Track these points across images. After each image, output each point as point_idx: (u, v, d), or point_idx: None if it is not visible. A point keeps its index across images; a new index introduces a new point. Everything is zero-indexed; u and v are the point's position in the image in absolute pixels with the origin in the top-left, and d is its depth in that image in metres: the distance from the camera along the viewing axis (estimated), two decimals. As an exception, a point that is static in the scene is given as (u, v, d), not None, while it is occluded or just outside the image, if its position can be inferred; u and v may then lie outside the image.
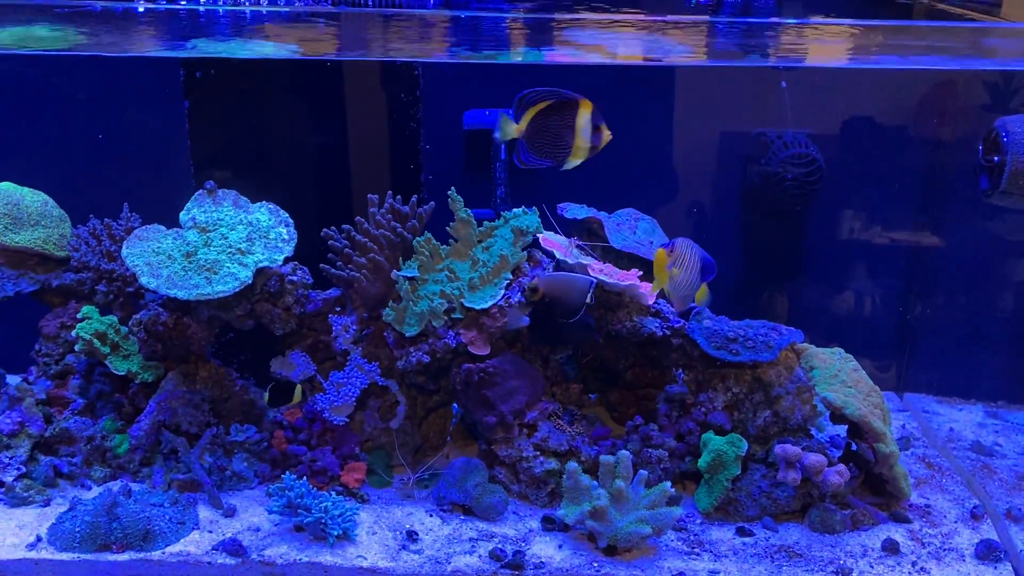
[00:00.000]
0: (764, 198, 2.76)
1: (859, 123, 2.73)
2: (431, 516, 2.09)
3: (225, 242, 2.16)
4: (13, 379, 2.33)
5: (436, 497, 2.13)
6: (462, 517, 2.08)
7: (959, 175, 2.69)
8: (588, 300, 2.05)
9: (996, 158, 2.17)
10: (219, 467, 2.15)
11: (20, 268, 2.35)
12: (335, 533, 1.94)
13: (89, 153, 2.73)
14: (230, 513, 2.06)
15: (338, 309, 2.30)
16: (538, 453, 2.12)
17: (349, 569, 1.91)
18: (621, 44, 2.36)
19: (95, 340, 2.17)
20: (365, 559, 1.93)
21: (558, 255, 2.18)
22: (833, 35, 2.32)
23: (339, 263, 2.23)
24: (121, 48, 2.40)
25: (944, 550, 2.00)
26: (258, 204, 2.28)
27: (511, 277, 2.15)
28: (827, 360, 2.21)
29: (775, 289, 2.91)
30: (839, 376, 2.15)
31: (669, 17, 2.29)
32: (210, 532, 2.00)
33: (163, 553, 1.93)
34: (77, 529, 1.93)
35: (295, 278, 2.24)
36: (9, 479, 2.09)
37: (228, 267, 2.12)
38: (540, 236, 2.21)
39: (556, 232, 2.26)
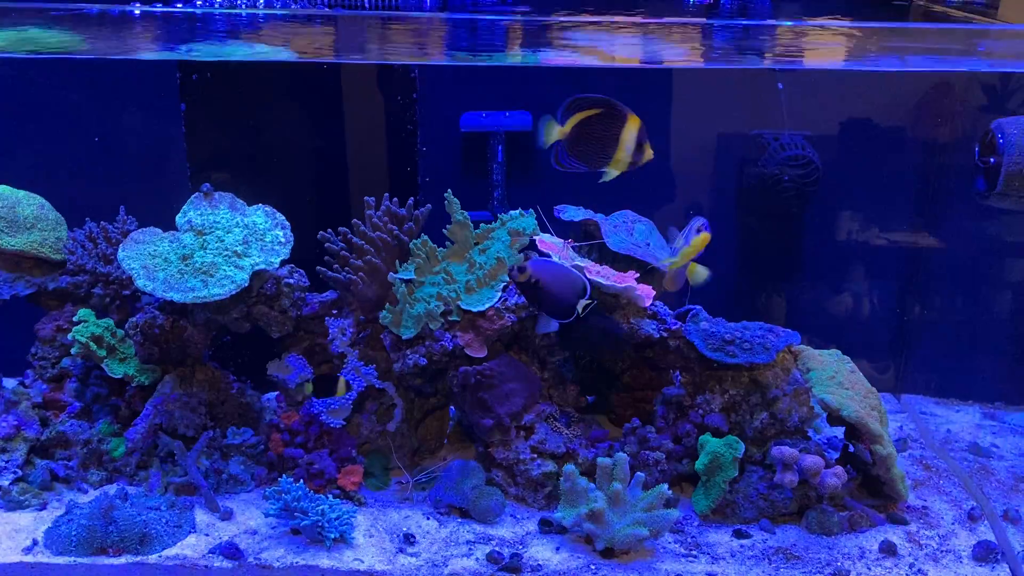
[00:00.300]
0: (761, 200, 2.76)
1: (856, 125, 2.74)
2: (428, 519, 2.09)
3: (221, 245, 2.16)
4: (9, 382, 2.33)
5: (433, 500, 2.13)
6: (459, 520, 2.08)
7: (956, 177, 2.69)
8: (584, 300, 1.97)
9: (992, 160, 2.17)
10: (216, 470, 2.15)
11: (16, 271, 2.34)
12: (332, 536, 1.94)
13: (85, 156, 2.73)
14: (227, 516, 2.06)
15: (335, 312, 2.30)
16: (535, 455, 2.11)
17: (346, 572, 1.90)
18: (618, 46, 2.37)
19: (91, 343, 2.17)
20: (362, 562, 1.93)
21: (555, 257, 2.18)
22: (830, 37, 2.32)
23: (336, 265, 2.23)
24: (117, 51, 2.40)
25: (941, 552, 2.00)
26: (254, 207, 2.28)
27: (507, 280, 2.15)
28: (824, 362, 2.21)
29: (772, 291, 2.91)
30: (836, 378, 2.15)
31: (666, 19, 2.29)
32: (207, 535, 2.00)
33: (160, 557, 1.92)
34: (73, 533, 1.93)
35: (292, 281, 2.24)
36: (5, 483, 2.08)
37: (224, 270, 2.12)
38: (536, 238, 2.21)
39: (551, 234, 2.26)
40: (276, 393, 2.29)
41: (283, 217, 2.26)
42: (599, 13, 2.31)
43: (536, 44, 2.33)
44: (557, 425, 2.15)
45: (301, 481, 2.03)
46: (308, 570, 1.91)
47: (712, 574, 1.90)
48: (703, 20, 2.46)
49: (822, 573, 1.91)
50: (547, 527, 2.04)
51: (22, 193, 2.38)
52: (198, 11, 2.27)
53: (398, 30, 2.31)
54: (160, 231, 2.20)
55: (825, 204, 2.77)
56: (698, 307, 2.25)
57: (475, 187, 2.76)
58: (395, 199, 2.26)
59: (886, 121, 2.73)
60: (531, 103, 2.72)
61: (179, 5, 2.34)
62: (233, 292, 2.09)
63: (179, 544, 1.96)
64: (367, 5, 2.43)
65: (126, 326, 2.20)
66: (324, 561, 1.92)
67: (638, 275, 2.17)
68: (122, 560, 1.91)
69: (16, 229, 2.31)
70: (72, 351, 2.20)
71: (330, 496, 2.06)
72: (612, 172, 1.92)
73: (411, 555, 1.95)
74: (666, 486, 1.97)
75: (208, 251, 2.15)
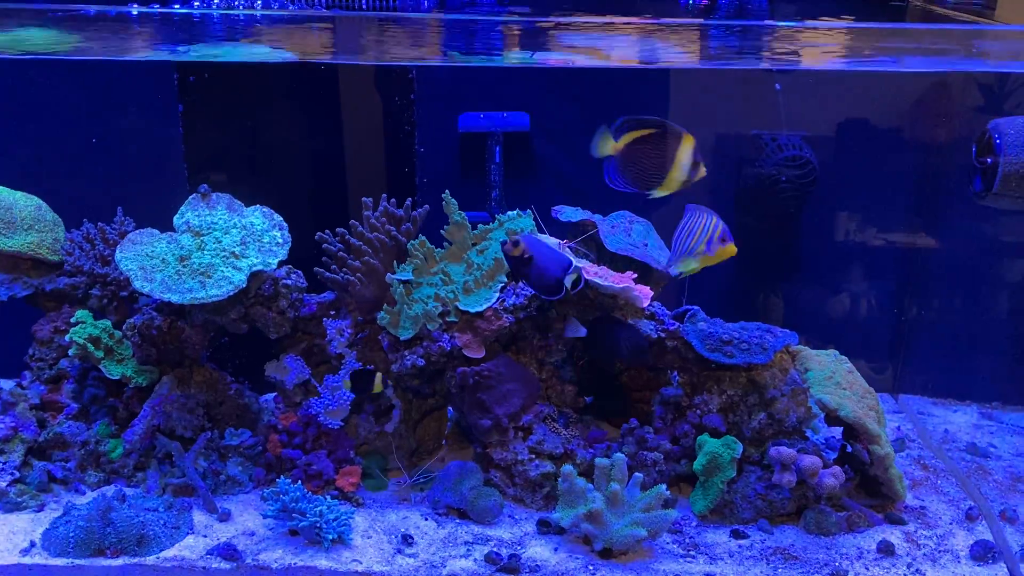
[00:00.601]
0: (759, 200, 2.76)
1: (853, 125, 2.74)
2: (426, 520, 2.09)
3: (219, 246, 2.16)
4: (7, 384, 2.33)
5: (431, 500, 2.13)
6: (457, 520, 2.08)
7: (953, 177, 2.69)
8: (569, 279, 1.99)
9: (989, 160, 2.17)
10: (214, 471, 2.15)
11: (14, 272, 2.34)
12: (330, 537, 1.94)
13: (83, 157, 2.73)
14: (225, 517, 2.06)
15: (332, 313, 2.30)
16: (533, 456, 2.11)
17: (344, 573, 1.90)
18: (615, 46, 2.37)
19: (89, 344, 2.16)
20: (360, 563, 1.93)
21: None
22: (827, 37, 2.33)
23: (333, 266, 2.23)
24: (115, 52, 2.40)
25: (939, 552, 2.00)
26: (252, 208, 2.28)
27: (505, 280, 2.15)
28: (822, 362, 2.21)
29: (770, 291, 2.91)
30: (834, 378, 2.15)
31: (663, 20, 2.29)
32: (205, 537, 2.00)
33: (158, 558, 1.92)
34: (71, 534, 1.93)
35: (289, 282, 2.24)
36: (3, 484, 2.08)
37: (222, 271, 2.12)
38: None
39: (547, 235, 2.26)
40: (274, 394, 2.29)
41: (281, 218, 2.26)
42: (597, 14, 2.31)
43: (534, 45, 2.33)
44: (555, 426, 2.15)
45: (299, 482, 2.03)
46: (306, 571, 1.91)
47: (710, 574, 1.90)
48: (701, 21, 2.46)
49: (820, 573, 1.91)
50: (545, 528, 2.04)
51: (19, 194, 2.38)
52: (196, 12, 2.27)
53: (395, 30, 2.31)
54: (158, 232, 2.20)
55: (823, 204, 2.77)
56: (696, 307, 2.25)
57: (473, 188, 2.76)
58: (393, 200, 2.26)
59: (883, 121, 2.73)
60: (529, 104, 2.72)
61: (177, 7, 2.34)
62: (231, 293, 2.09)
63: (177, 545, 1.96)
64: (364, 6, 2.44)
65: (124, 327, 2.20)
66: (322, 562, 1.92)
67: (636, 275, 2.17)
68: (120, 561, 1.91)
69: (13, 230, 2.31)
70: (70, 352, 2.19)
71: (328, 497, 2.06)
72: (663, 192, 1.92)
73: (409, 556, 1.95)
74: (664, 486, 1.97)
75: (206, 252, 2.14)
